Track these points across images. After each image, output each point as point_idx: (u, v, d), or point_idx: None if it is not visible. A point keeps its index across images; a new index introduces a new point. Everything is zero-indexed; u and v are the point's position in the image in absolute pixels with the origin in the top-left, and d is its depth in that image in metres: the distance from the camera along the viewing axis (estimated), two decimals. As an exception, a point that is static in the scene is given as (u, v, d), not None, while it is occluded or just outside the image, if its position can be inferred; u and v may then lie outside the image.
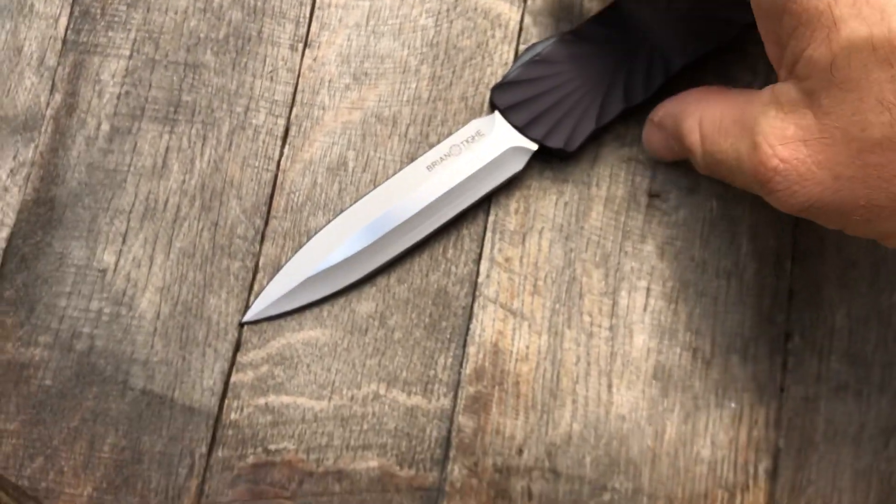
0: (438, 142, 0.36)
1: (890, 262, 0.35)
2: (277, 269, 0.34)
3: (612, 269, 0.35)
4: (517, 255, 0.35)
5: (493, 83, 0.36)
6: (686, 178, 0.36)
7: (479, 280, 0.35)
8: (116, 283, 0.34)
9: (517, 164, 0.34)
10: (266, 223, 0.35)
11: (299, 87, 0.36)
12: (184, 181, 0.35)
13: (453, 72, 0.36)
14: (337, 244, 0.33)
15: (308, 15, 0.36)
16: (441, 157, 0.34)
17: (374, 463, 0.33)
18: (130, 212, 0.35)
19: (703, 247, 0.35)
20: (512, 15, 0.37)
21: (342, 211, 0.34)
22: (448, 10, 0.37)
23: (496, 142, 0.34)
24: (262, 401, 0.33)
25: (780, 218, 0.35)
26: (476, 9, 0.37)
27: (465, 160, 0.34)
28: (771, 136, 0.27)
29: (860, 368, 0.34)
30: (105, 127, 0.35)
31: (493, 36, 0.37)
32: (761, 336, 0.34)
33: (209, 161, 0.35)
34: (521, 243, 0.35)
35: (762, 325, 0.35)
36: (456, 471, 0.33)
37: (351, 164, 0.35)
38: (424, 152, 0.35)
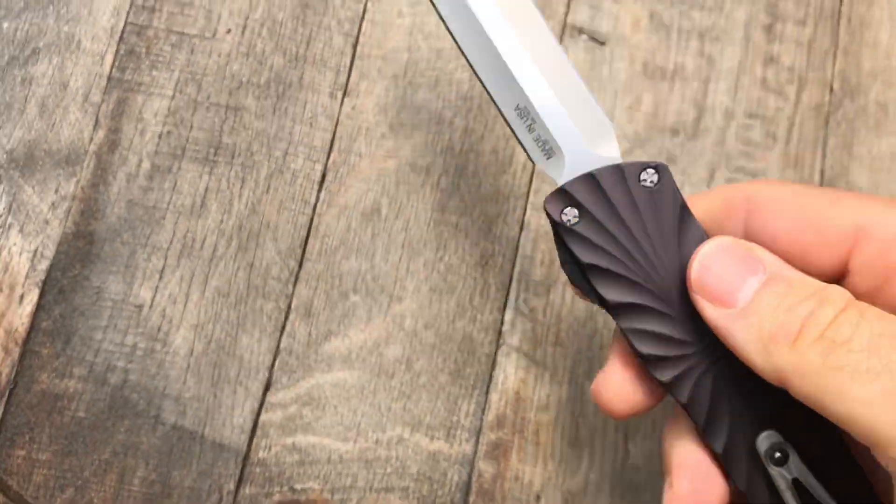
0: (469, 192, 0.37)
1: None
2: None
3: (632, 324, 0.36)
4: (541, 305, 0.36)
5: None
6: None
7: (504, 328, 0.36)
8: (152, 319, 0.35)
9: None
10: (300, 265, 0.36)
11: (337, 134, 0.37)
12: (221, 221, 0.36)
13: (485, 125, 0.37)
14: None
15: (348, 64, 0.38)
16: None
17: (397, 505, 0.34)
18: (168, 249, 0.36)
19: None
20: (544, 73, 0.38)
21: None
22: (483, 66, 0.38)
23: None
24: (289, 440, 0.34)
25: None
26: (510, 65, 0.38)
27: None
28: None
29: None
30: (146, 165, 0.36)
31: (526, 92, 0.38)
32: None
33: (247, 203, 0.36)
34: (545, 294, 0.36)
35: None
36: (477, 515, 0.34)
37: (384, 211, 0.37)
38: (455, 203, 0.36)
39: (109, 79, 0.37)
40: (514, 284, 0.36)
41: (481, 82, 0.28)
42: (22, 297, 0.35)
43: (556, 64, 0.28)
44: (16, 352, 0.35)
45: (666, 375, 0.26)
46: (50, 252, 0.35)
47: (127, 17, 0.37)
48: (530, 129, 0.28)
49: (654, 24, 0.39)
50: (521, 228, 0.37)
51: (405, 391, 0.35)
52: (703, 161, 0.38)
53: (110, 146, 0.36)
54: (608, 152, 0.27)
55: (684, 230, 0.26)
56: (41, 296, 0.35)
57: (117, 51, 0.37)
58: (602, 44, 0.38)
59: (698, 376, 0.26)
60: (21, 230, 0.36)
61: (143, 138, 0.37)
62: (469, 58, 0.28)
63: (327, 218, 0.36)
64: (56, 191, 0.36)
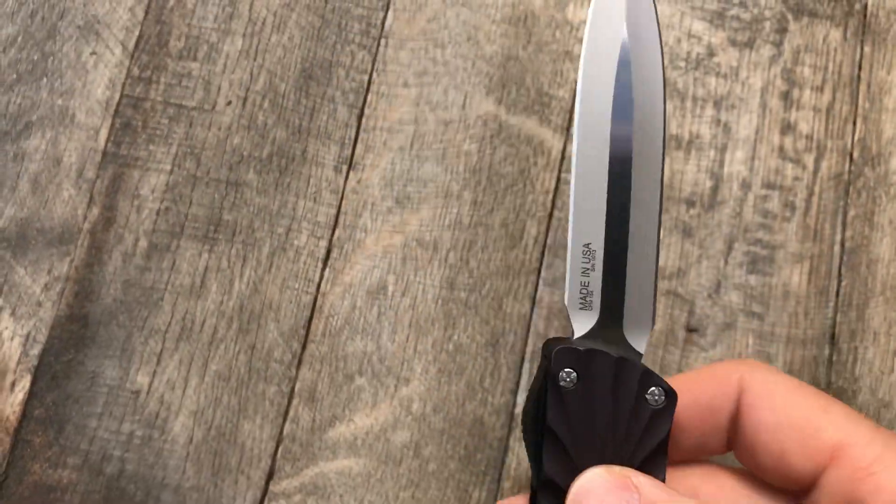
0: (479, 268, 0.35)
1: (921, 403, 0.36)
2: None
3: (649, 406, 0.35)
4: (554, 386, 0.35)
5: (533, 210, 0.36)
6: (723, 313, 0.36)
7: (516, 411, 0.35)
8: (149, 406, 0.34)
9: None
10: (304, 347, 0.35)
11: (342, 209, 0.36)
12: (222, 302, 0.35)
13: (495, 198, 0.36)
14: None
15: (353, 137, 0.36)
16: None
17: None
18: (166, 332, 0.34)
19: (739, 383, 0.35)
20: (555, 143, 0.37)
21: None
22: (492, 137, 0.37)
23: None
24: (294, 532, 0.33)
25: (815, 357, 0.35)
26: (519, 136, 0.37)
27: None
28: None
29: (890, 511, 0.34)
30: (143, 243, 0.35)
31: (536, 163, 0.37)
32: (794, 475, 0.34)
33: (248, 282, 0.35)
34: (558, 375, 0.35)
35: (795, 465, 0.35)
36: None
37: (391, 289, 0.35)
38: (464, 278, 0.35)
39: (104, 154, 0.36)
40: (525, 364, 0.35)
41: (572, 211, 0.27)
42: (13, 383, 0.34)
43: (648, 237, 0.27)
44: (7, 441, 0.33)
45: None
46: (42, 336, 0.34)
47: (123, 90, 0.36)
48: (584, 272, 0.27)
49: (669, 92, 0.37)
50: (533, 305, 0.36)
51: (413, 479, 0.34)
52: (720, 233, 0.36)
53: (105, 224, 0.35)
54: (636, 344, 0.27)
55: (651, 461, 0.26)
56: (33, 382, 0.34)
57: (112, 124, 0.36)
58: (614, 112, 0.37)
59: None
60: (13, 313, 0.34)
61: (139, 216, 0.35)
62: (578, 178, 0.27)
63: (332, 297, 0.35)
64: (49, 271, 0.35)
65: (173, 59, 0.36)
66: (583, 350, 0.26)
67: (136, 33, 0.37)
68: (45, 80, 0.36)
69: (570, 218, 0.27)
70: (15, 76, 0.36)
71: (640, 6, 0.27)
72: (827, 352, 0.35)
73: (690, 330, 0.36)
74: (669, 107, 0.37)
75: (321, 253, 0.35)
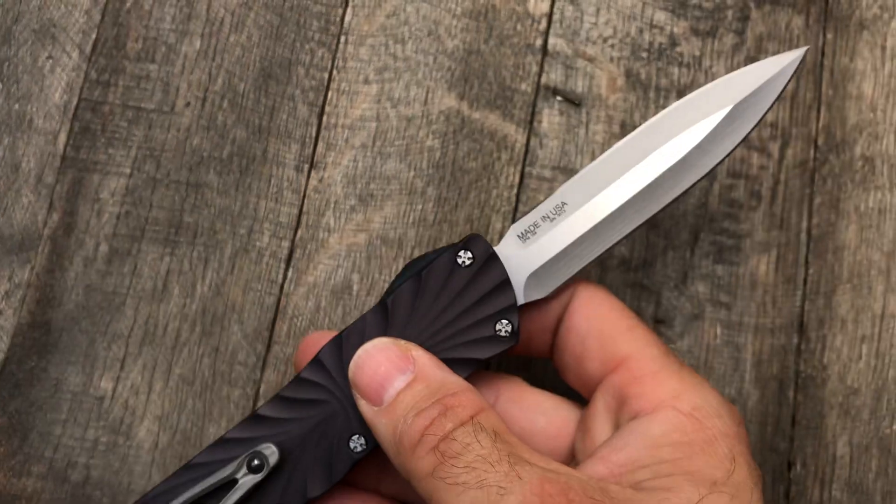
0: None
1: (891, 389, 0.35)
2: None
3: (617, 399, 0.35)
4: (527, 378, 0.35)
5: (498, 205, 0.36)
6: (690, 304, 0.36)
7: (484, 408, 0.34)
8: (114, 411, 0.33)
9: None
10: (268, 349, 0.34)
11: (304, 209, 0.35)
12: (184, 305, 0.34)
13: (459, 193, 0.36)
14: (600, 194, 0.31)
15: (314, 135, 0.36)
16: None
17: None
18: (129, 336, 0.34)
19: (707, 374, 0.35)
20: (518, 137, 0.37)
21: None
22: (454, 132, 0.36)
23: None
24: (262, 535, 0.33)
25: (783, 346, 0.35)
26: (482, 131, 0.36)
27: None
28: None
29: (862, 497, 0.34)
30: (104, 248, 0.35)
31: (500, 158, 0.36)
32: (764, 464, 0.34)
33: (211, 284, 0.35)
34: (525, 368, 0.35)
35: (765, 454, 0.35)
36: None
37: (355, 288, 0.35)
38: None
39: (63, 158, 0.35)
40: (492, 362, 0.35)
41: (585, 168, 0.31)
42: (-25, 392, 0.33)
43: (611, 237, 0.31)
44: (-30, 451, 0.33)
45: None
46: (4, 344, 0.34)
47: (80, 93, 0.36)
48: (545, 217, 0.31)
49: (631, 83, 0.37)
50: (499, 301, 0.35)
51: (382, 478, 0.34)
52: (686, 224, 0.36)
53: (66, 229, 0.35)
54: (524, 294, 0.30)
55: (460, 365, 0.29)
56: (-4, 391, 0.33)
57: (71, 128, 0.36)
58: (578, 105, 0.37)
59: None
60: (-27, 322, 0.34)
61: (100, 220, 0.35)
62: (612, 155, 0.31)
63: (295, 298, 0.35)
64: (9, 279, 0.34)
65: (131, 62, 0.36)
66: (493, 248, 0.29)
67: (93, 36, 0.36)
68: (0, 85, 0.36)
69: (577, 175, 0.30)
70: (-30, 82, 0.36)
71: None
72: (795, 340, 0.35)
73: (658, 321, 0.36)
74: (633, 97, 0.37)
75: (284, 254, 0.35)
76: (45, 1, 0.37)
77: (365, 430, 0.28)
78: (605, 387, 0.29)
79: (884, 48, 0.38)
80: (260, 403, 0.34)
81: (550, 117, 0.37)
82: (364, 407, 0.27)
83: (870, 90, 0.38)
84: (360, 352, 0.28)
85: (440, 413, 0.26)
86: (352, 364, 0.28)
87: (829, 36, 0.38)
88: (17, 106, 0.36)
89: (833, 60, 0.38)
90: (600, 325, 0.30)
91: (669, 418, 0.27)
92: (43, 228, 0.35)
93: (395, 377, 0.27)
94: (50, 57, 0.36)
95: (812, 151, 0.37)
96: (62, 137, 0.35)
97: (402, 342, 0.28)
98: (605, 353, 0.29)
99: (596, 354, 0.29)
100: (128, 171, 0.35)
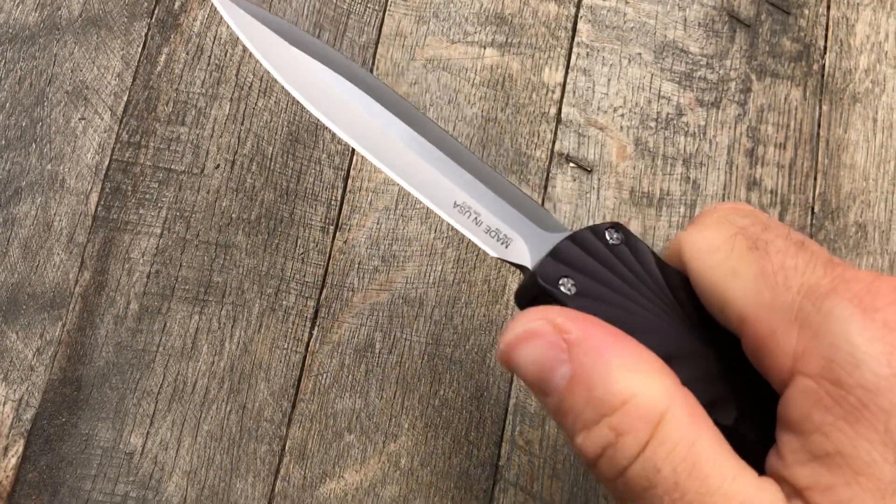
0: (463, 323, 0.37)
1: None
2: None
3: (628, 455, 0.36)
4: (537, 437, 0.36)
5: (513, 267, 0.37)
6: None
7: (501, 463, 0.36)
8: (143, 466, 0.34)
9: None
10: (294, 406, 0.35)
11: (329, 269, 0.37)
12: (213, 363, 0.35)
13: (477, 255, 0.38)
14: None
15: (339, 198, 0.37)
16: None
17: None
18: (158, 393, 0.35)
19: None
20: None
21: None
22: (473, 196, 0.38)
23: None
24: (287, 588, 0.34)
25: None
26: (500, 194, 0.38)
27: None
28: None
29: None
30: (134, 306, 0.36)
31: (516, 221, 0.38)
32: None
33: (239, 343, 0.36)
34: (540, 426, 0.36)
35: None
36: None
37: (378, 346, 0.36)
38: (449, 334, 0.36)
39: (95, 218, 0.36)
40: (509, 417, 0.36)
41: (413, 189, 0.27)
42: (6, 448, 0.34)
43: (467, 154, 0.28)
44: (0, 506, 0.34)
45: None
46: (35, 400, 0.35)
47: (112, 154, 0.37)
48: (477, 221, 0.27)
49: (640, 151, 0.39)
50: (515, 359, 0.37)
51: (403, 532, 0.35)
52: (692, 286, 0.38)
53: (97, 288, 0.36)
54: (557, 227, 0.27)
55: (666, 273, 0.25)
56: (27, 446, 0.34)
57: (102, 189, 0.37)
58: (589, 171, 0.39)
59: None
60: (5, 378, 0.35)
61: (130, 279, 0.36)
62: (393, 172, 0.27)
63: (320, 356, 0.36)
64: (41, 336, 0.35)
65: (162, 124, 0.37)
66: (555, 254, 0.25)
67: (125, 98, 0.37)
68: (34, 145, 0.37)
69: (426, 197, 0.27)
70: (3, 142, 0.37)
71: None
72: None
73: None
74: (641, 165, 0.39)
75: (310, 313, 0.36)
76: (77, 63, 0.38)
77: None
78: (746, 350, 0.24)
79: (875, 120, 0.40)
80: (286, 459, 0.35)
81: (563, 183, 0.38)
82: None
83: (862, 160, 0.40)
84: (512, 329, 0.23)
85: (609, 442, 0.21)
86: (502, 342, 0.23)
87: (825, 108, 0.40)
88: (49, 166, 0.36)
89: (829, 131, 0.40)
90: (707, 279, 0.24)
91: (802, 393, 0.21)
92: (74, 286, 0.36)
93: (554, 368, 0.22)
94: (82, 118, 0.37)
95: (809, 218, 0.39)
96: (94, 197, 0.36)
97: (554, 309, 0.23)
98: (725, 313, 0.24)
99: (718, 313, 0.24)
100: (158, 231, 0.36)
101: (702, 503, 0.20)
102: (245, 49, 0.38)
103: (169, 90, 0.38)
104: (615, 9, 0.40)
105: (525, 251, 0.27)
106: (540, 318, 0.23)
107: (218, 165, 0.37)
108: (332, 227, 0.37)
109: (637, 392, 0.21)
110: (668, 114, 0.39)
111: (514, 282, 0.37)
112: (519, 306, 0.26)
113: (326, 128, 0.38)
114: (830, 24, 0.41)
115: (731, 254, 0.24)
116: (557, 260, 0.25)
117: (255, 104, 0.38)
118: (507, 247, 0.27)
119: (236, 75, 0.38)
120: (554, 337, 0.22)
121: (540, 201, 0.38)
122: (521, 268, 0.27)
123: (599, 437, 0.21)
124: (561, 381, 0.22)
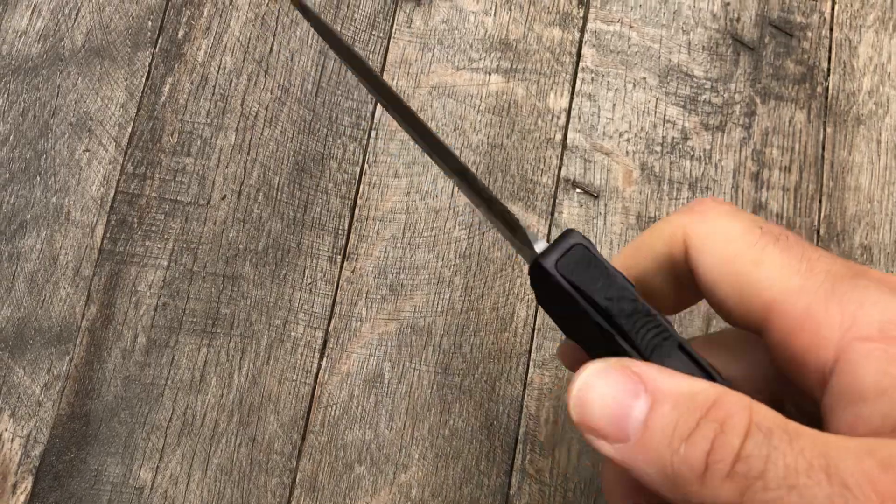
0: (472, 352, 0.37)
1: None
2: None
3: (639, 482, 0.36)
4: (547, 466, 0.36)
5: (522, 293, 0.37)
6: (705, 387, 0.37)
7: (511, 492, 0.36)
8: (153, 501, 0.34)
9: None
10: (303, 438, 0.35)
11: (338, 299, 0.37)
12: (222, 396, 0.35)
13: (485, 282, 0.37)
14: None
15: (347, 227, 0.37)
16: None
17: None
18: (168, 427, 0.35)
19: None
20: (540, 227, 0.38)
21: None
22: (480, 223, 0.38)
23: None
24: None
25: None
26: (507, 221, 0.38)
27: None
28: None
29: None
30: (142, 339, 0.35)
31: (523, 248, 0.38)
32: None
33: (247, 375, 0.36)
34: (550, 454, 0.36)
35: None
36: None
37: (387, 376, 0.36)
38: (458, 363, 0.36)
39: (101, 251, 0.36)
40: (519, 446, 0.36)
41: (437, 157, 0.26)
42: (14, 486, 0.34)
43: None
44: (10, 544, 0.33)
45: None
46: (44, 436, 0.34)
47: (117, 186, 0.37)
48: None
49: (646, 176, 0.39)
50: (525, 386, 0.37)
51: (415, 563, 0.35)
52: (699, 311, 0.38)
53: (104, 321, 0.35)
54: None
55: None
56: (35, 483, 0.34)
57: (108, 221, 0.36)
58: (595, 197, 0.39)
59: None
60: (12, 414, 0.34)
61: (137, 312, 0.36)
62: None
63: (329, 387, 0.36)
64: (48, 371, 0.35)
65: (167, 155, 0.37)
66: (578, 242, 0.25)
67: (129, 129, 0.37)
68: (38, 178, 0.36)
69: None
70: (8, 175, 0.36)
71: None
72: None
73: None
74: (647, 190, 0.39)
75: (318, 344, 0.36)
76: (81, 94, 0.37)
77: None
78: (770, 345, 0.24)
79: (879, 142, 0.40)
80: (297, 492, 0.35)
81: (570, 208, 0.38)
82: (605, 447, 0.22)
83: (867, 182, 0.40)
84: (577, 385, 0.23)
85: (716, 433, 0.21)
86: (572, 405, 0.23)
87: (829, 130, 0.40)
88: (54, 199, 0.36)
89: (833, 153, 0.40)
90: (727, 271, 0.24)
91: (866, 358, 0.22)
92: (81, 320, 0.35)
93: (631, 404, 0.22)
94: (87, 150, 0.37)
95: (815, 240, 0.39)
96: (99, 230, 0.36)
97: (612, 359, 0.23)
98: (748, 306, 0.24)
99: (739, 308, 0.24)
100: (165, 263, 0.36)
101: (823, 447, 0.20)
102: (250, 77, 0.38)
103: (174, 120, 0.37)
104: (619, 33, 0.40)
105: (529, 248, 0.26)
106: (601, 361, 0.23)
107: (224, 196, 0.37)
108: (339, 257, 0.37)
109: (720, 389, 0.22)
110: (673, 138, 0.39)
111: (521, 310, 0.37)
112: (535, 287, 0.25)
113: (332, 157, 0.38)
114: (833, 46, 0.41)
115: (754, 245, 0.24)
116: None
117: (261, 134, 0.38)
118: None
119: (241, 105, 0.38)
120: (624, 369, 0.23)
121: (547, 228, 0.38)
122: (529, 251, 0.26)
123: (703, 438, 0.21)
124: (641, 410, 0.22)
